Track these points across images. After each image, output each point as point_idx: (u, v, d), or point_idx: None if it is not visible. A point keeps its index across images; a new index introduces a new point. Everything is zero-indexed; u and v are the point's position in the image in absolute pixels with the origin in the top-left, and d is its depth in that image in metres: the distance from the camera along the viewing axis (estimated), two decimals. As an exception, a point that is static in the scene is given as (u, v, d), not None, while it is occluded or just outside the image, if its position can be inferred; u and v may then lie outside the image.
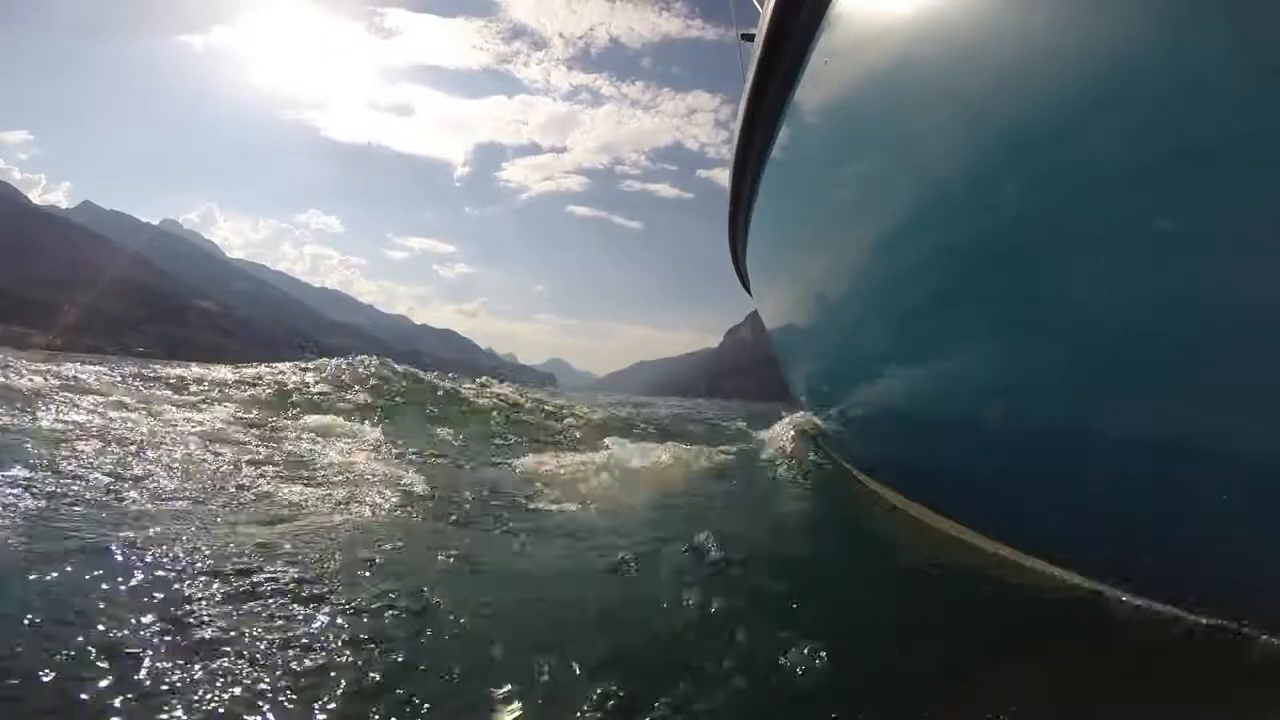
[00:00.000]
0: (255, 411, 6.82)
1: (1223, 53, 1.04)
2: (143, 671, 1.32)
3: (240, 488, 3.13)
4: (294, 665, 1.40)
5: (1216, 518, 1.37)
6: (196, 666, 1.35)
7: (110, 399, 6.15)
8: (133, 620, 1.52)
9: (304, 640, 1.52)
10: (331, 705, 1.30)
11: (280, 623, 1.59)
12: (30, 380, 6.60)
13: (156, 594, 1.68)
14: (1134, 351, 1.35)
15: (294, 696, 1.29)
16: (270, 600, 1.72)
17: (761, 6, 5.06)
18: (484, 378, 12.21)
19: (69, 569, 1.77)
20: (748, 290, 6.03)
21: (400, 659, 1.50)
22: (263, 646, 1.47)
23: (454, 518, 3.00)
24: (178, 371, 9.72)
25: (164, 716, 1.20)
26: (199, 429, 5.13)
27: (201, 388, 8.22)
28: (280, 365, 10.75)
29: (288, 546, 2.13)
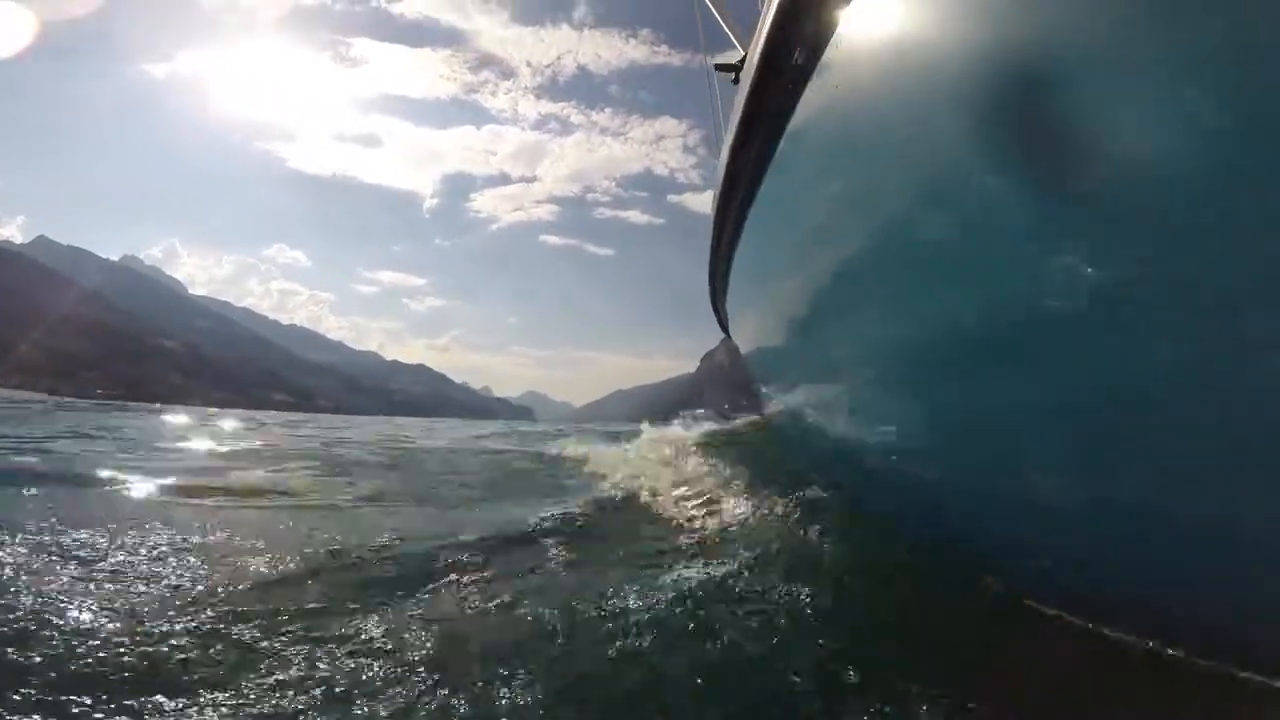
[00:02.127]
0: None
1: (1234, 57, 1.05)
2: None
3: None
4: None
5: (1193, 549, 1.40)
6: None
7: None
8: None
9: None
10: None
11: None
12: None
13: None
14: (1118, 379, 1.38)
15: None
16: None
17: (733, 34, 5.17)
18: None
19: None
20: (723, 328, 5.99)
21: None
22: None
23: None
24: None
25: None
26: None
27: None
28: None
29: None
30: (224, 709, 1.45)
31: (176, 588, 2.15)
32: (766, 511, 3.61)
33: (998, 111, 1.44)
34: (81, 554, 2.41)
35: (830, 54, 2.04)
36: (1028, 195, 1.42)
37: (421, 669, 1.66)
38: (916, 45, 1.68)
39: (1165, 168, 1.17)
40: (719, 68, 6.08)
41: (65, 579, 2.13)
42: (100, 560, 2.37)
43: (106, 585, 2.12)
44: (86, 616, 1.82)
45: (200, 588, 2.17)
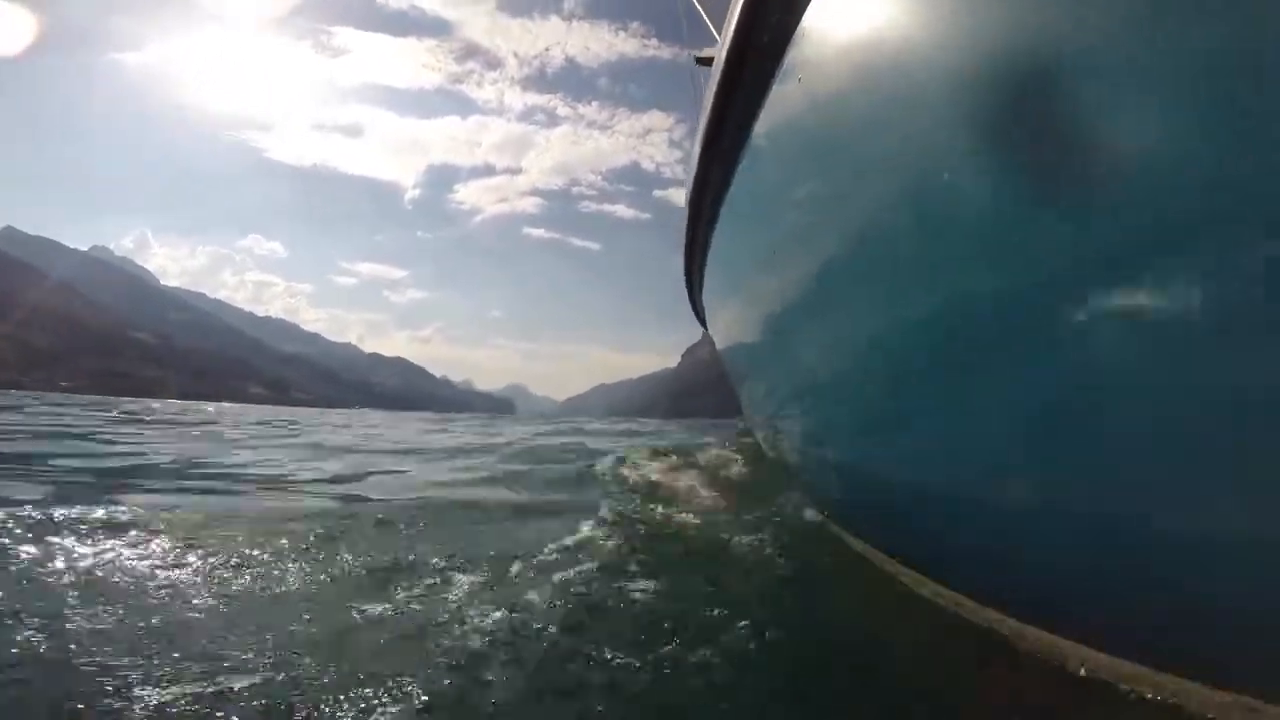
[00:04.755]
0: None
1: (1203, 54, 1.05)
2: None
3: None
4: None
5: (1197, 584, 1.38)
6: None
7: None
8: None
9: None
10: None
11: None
12: None
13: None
14: (1110, 384, 1.35)
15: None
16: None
17: (715, 28, 5.11)
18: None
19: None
20: (702, 322, 5.91)
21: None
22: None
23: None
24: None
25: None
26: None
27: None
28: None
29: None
30: None
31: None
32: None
33: (965, 101, 1.44)
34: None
35: (796, 46, 2.05)
36: (1000, 184, 1.43)
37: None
38: (880, 37, 1.68)
39: (1146, 163, 1.18)
40: (699, 60, 6.03)
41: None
42: None
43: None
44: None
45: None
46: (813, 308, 2.45)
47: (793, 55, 2.08)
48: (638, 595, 2.34)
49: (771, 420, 4.04)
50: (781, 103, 2.27)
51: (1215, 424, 1.21)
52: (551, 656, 1.80)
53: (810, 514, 3.92)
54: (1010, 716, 1.59)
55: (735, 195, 3.11)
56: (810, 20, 1.96)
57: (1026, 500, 1.64)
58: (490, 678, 1.66)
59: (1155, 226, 1.16)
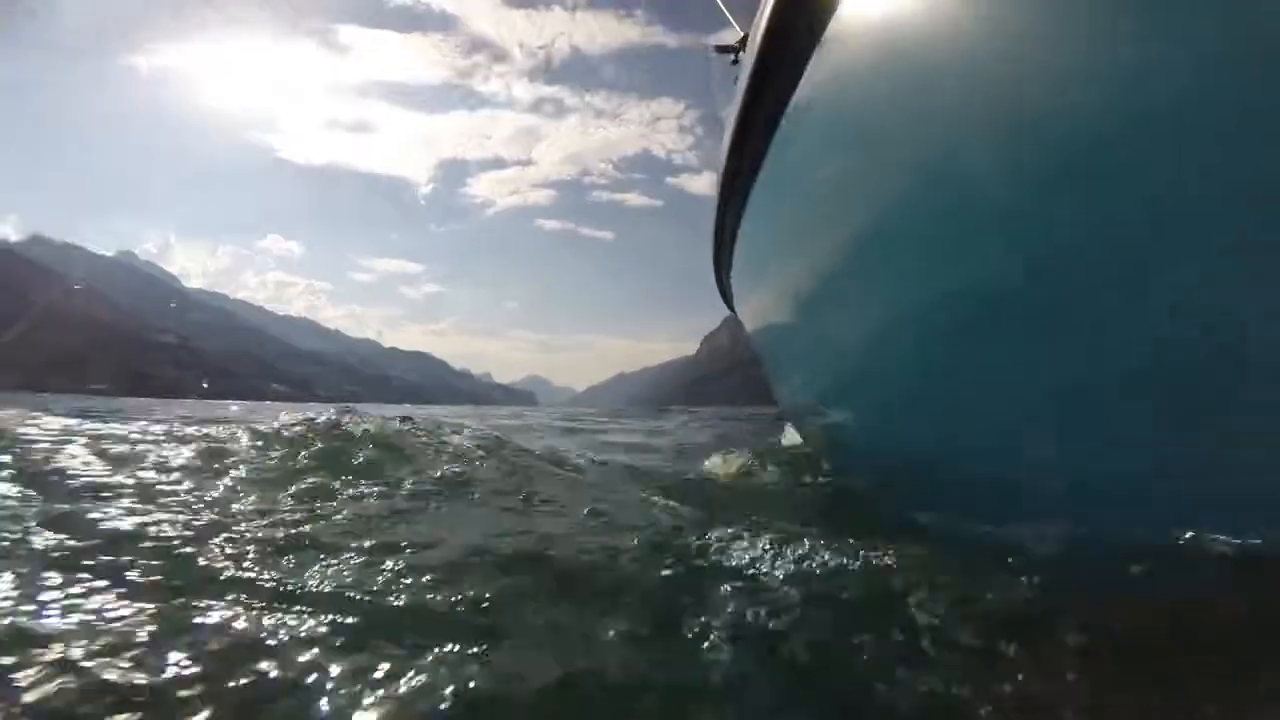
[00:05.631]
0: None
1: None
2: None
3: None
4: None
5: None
6: None
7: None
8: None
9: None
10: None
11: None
12: None
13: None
14: (1140, 358, 1.35)
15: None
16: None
17: (732, 16, 5.07)
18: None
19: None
20: (730, 306, 6.00)
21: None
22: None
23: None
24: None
25: None
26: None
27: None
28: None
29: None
30: None
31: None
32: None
33: (1008, 79, 1.41)
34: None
35: (832, 27, 2.01)
36: (1039, 165, 1.40)
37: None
38: (919, 13, 1.65)
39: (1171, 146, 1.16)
40: (718, 49, 6.06)
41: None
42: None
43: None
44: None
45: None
46: (851, 289, 2.41)
47: (829, 36, 2.04)
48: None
49: (806, 399, 4.07)
50: (816, 84, 2.23)
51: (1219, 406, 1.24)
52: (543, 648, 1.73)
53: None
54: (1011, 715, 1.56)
55: (767, 181, 3.07)
56: (847, 2, 1.93)
57: (1066, 479, 1.66)
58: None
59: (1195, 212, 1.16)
